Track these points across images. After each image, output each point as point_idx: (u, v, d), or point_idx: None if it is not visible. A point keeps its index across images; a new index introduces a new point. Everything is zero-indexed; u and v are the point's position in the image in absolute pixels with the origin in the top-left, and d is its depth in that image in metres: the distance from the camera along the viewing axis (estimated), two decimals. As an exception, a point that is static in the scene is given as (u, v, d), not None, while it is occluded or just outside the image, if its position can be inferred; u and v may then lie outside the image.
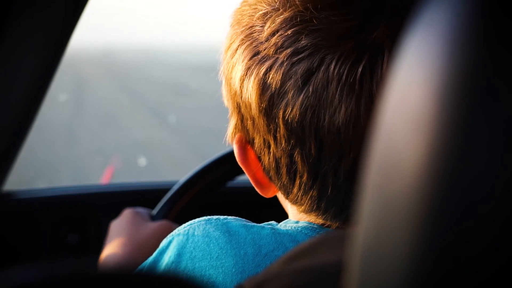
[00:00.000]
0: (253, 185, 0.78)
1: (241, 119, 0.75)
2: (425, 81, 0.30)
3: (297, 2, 0.69)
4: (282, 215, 0.83)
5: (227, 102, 0.78)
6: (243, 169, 0.78)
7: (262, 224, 0.75)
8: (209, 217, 0.77)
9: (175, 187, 1.31)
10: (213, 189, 1.33)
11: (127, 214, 1.27)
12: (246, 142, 0.76)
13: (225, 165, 1.32)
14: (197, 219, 0.77)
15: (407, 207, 0.30)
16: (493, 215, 0.27)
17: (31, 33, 1.24)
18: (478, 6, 0.29)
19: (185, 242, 0.75)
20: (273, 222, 0.77)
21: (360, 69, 0.65)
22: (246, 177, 0.79)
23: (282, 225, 0.76)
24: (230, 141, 0.79)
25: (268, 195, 0.79)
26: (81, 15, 1.28)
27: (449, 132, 0.28)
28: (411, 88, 0.31)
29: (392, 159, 0.31)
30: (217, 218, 0.76)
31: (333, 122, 0.67)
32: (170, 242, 0.77)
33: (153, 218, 1.28)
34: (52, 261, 1.66)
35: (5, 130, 1.47)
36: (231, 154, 1.30)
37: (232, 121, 0.77)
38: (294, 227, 0.75)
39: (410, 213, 0.30)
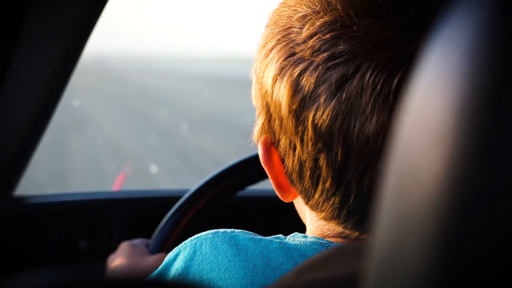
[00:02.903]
0: (274, 187, 0.78)
1: (269, 119, 0.75)
2: (445, 94, 0.30)
3: (338, 7, 0.69)
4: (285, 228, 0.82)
5: (255, 101, 0.78)
6: (266, 170, 0.78)
7: (270, 238, 0.75)
8: (216, 230, 0.76)
9: (170, 213, 1.29)
10: (210, 209, 1.32)
11: (124, 247, 1.25)
12: (271, 144, 0.76)
13: (219, 185, 1.31)
14: (203, 233, 0.76)
15: (424, 220, 0.30)
16: None
17: (48, 36, 1.24)
18: (499, 19, 0.29)
19: (192, 255, 0.75)
20: (280, 235, 0.77)
21: (395, 80, 0.65)
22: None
23: (290, 239, 0.76)
24: (255, 141, 0.78)
25: (287, 199, 0.78)
26: (99, 17, 1.28)
27: (468, 145, 0.28)
28: (431, 100, 0.30)
29: (410, 171, 0.31)
30: (224, 231, 0.75)
31: (363, 131, 0.66)
32: (176, 255, 0.77)
33: (150, 249, 1.26)
34: (63, 267, 1.66)
35: (19, 133, 1.48)
36: (224, 172, 1.30)
37: (259, 121, 0.77)
38: (303, 242, 0.74)
39: (427, 225, 0.29)
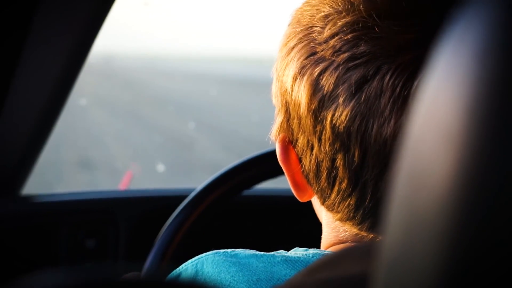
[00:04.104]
0: (291, 186, 0.78)
1: (288, 117, 0.75)
2: (455, 95, 0.30)
3: (361, 8, 0.68)
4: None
5: (275, 99, 0.78)
6: (283, 168, 0.78)
7: (271, 253, 0.75)
8: (216, 250, 0.76)
9: (157, 243, 1.28)
10: (212, 212, 1.31)
11: None
12: (289, 142, 0.76)
13: (220, 187, 1.31)
14: (203, 254, 0.77)
15: (434, 220, 0.30)
16: None
17: (56, 32, 1.25)
18: (509, 19, 0.29)
19: (194, 274, 0.75)
20: (281, 251, 0.76)
21: (415, 83, 0.65)
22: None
23: (292, 253, 0.76)
24: (273, 139, 0.78)
25: (303, 198, 0.79)
26: (107, 14, 1.28)
27: (479, 146, 0.28)
28: (441, 102, 0.30)
29: (421, 171, 0.31)
30: (224, 251, 0.76)
31: (380, 132, 0.66)
32: (178, 276, 0.77)
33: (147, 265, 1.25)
34: (71, 265, 1.66)
35: (26, 132, 1.48)
36: (227, 173, 1.30)
37: (278, 119, 0.77)
38: (305, 254, 0.74)
39: (437, 226, 0.29)
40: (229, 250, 0.76)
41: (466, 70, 0.30)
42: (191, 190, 1.35)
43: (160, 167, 9.27)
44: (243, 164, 1.32)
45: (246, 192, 1.43)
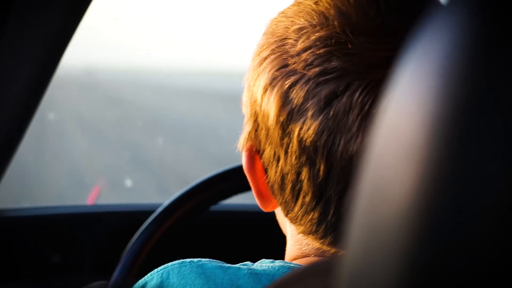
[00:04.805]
0: (255, 196, 0.78)
1: (256, 128, 0.75)
2: (416, 112, 0.30)
3: (335, 23, 0.68)
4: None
5: (245, 108, 0.78)
6: (248, 178, 0.78)
7: (238, 265, 0.74)
8: (182, 260, 0.76)
9: (126, 254, 1.27)
10: (178, 228, 1.31)
11: None
12: (256, 152, 0.76)
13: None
14: (170, 263, 0.76)
15: (394, 236, 0.30)
16: (481, 248, 0.28)
17: (29, 35, 1.24)
18: (471, 36, 0.29)
19: (159, 285, 0.74)
20: (248, 262, 0.76)
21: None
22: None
23: (258, 265, 0.75)
24: (240, 148, 0.78)
25: (267, 209, 0.78)
26: (80, 21, 1.27)
27: (438, 163, 0.28)
28: (402, 118, 0.31)
29: (381, 186, 0.31)
30: (191, 261, 0.75)
31: (347, 149, 0.66)
32: (143, 287, 0.76)
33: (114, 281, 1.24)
34: (36, 282, 1.65)
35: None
36: (195, 188, 1.30)
37: (246, 129, 0.77)
38: (271, 266, 0.74)
39: (397, 241, 0.30)
40: (195, 260, 0.75)
41: (427, 87, 0.30)
42: (158, 205, 1.35)
43: (128, 182, 9.22)
44: (210, 179, 1.32)
45: (214, 208, 1.43)
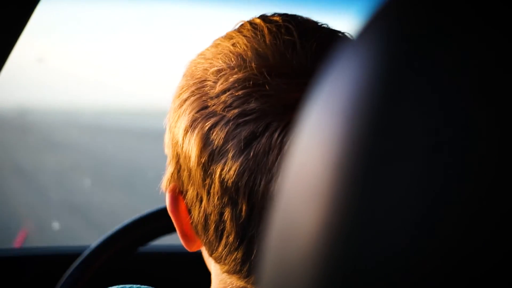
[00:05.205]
0: (179, 236, 0.78)
1: (178, 169, 0.75)
2: (320, 152, 0.31)
3: (252, 65, 0.70)
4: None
5: (167, 149, 0.78)
6: (172, 219, 0.78)
7: None
8: (116, 286, 0.76)
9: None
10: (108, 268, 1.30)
11: None
12: (179, 193, 0.76)
13: (116, 243, 1.30)
14: None
15: (303, 273, 0.31)
16: (384, 285, 0.28)
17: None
18: (376, 78, 0.30)
19: None
20: None
21: None
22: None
23: None
24: (163, 189, 0.78)
25: (192, 249, 0.79)
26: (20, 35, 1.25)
27: (342, 202, 0.29)
28: (309, 159, 0.32)
29: (291, 224, 0.32)
30: (123, 287, 0.75)
31: (268, 188, 0.67)
32: None
33: None
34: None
35: None
36: (123, 229, 1.30)
37: (169, 170, 0.77)
38: None
39: (306, 279, 0.30)
40: (127, 285, 0.75)
41: (330, 127, 0.31)
42: (85, 247, 1.34)
43: (55, 225, 9.02)
44: (137, 221, 1.32)
45: (142, 249, 1.42)
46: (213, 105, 0.70)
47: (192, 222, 0.76)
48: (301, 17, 0.77)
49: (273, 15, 0.76)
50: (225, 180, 0.69)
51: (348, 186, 0.29)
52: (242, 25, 0.76)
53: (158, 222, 1.32)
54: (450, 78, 0.29)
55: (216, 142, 0.69)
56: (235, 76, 0.70)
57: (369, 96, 0.30)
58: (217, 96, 0.70)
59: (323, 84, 0.33)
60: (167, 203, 0.78)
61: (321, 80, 0.34)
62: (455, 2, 0.30)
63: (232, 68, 0.71)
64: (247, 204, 0.69)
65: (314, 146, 0.32)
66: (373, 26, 0.32)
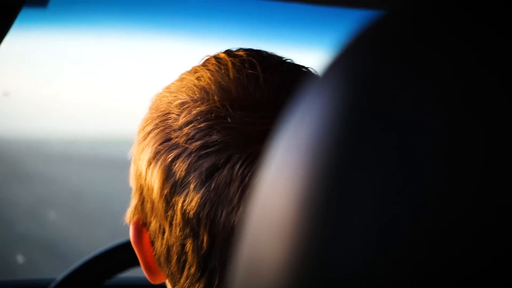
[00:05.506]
0: (143, 269, 0.78)
1: (142, 201, 0.76)
2: (285, 188, 0.31)
3: (215, 98, 0.71)
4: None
5: (132, 182, 0.79)
6: (136, 251, 0.78)
7: None
8: None
9: None
10: None
11: None
12: (142, 225, 0.77)
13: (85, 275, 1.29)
14: None
15: None
16: None
17: None
18: (339, 116, 0.31)
19: None
20: None
21: None
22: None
23: None
24: (127, 221, 0.79)
25: (155, 281, 0.79)
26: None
27: (305, 238, 0.30)
28: (275, 193, 0.32)
29: (256, 260, 0.33)
30: None
31: (229, 220, 0.68)
32: None
33: None
34: None
35: None
36: (90, 260, 1.29)
37: (133, 202, 0.78)
38: None
39: None
40: None
41: (294, 163, 0.31)
42: (51, 281, 1.33)
43: (20, 258, 8.90)
44: (103, 254, 1.31)
45: (108, 282, 1.41)
46: (176, 137, 0.71)
47: (155, 254, 0.76)
48: (266, 52, 0.78)
49: (238, 50, 0.78)
50: (187, 211, 0.69)
51: (312, 219, 0.30)
52: (207, 59, 0.77)
53: (124, 254, 1.32)
54: (412, 119, 0.29)
55: (178, 174, 0.70)
56: (198, 108, 0.71)
57: (333, 134, 0.30)
58: (180, 128, 0.71)
59: (289, 120, 0.34)
60: (131, 235, 0.78)
61: (287, 115, 0.34)
62: (419, 46, 0.30)
63: (196, 101, 0.72)
64: (208, 236, 0.69)
65: (279, 181, 0.32)
66: (340, 64, 0.33)
